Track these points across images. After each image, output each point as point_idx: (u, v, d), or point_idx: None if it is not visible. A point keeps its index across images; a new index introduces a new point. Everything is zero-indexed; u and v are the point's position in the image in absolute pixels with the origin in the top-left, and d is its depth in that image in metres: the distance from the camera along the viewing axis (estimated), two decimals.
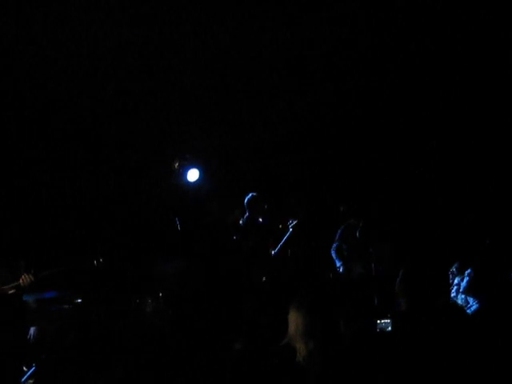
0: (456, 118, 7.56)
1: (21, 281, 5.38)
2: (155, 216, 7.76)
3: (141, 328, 5.94)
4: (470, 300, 4.28)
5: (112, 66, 6.77)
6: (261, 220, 6.85)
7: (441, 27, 6.59)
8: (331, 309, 3.06)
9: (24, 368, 5.39)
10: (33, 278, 5.41)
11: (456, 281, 5.01)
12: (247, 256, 6.60)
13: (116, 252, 7.14)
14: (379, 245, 6.87)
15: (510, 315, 3.59)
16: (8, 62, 6.52)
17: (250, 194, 6.86)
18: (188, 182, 7.47)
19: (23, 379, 5.29)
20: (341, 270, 7.11)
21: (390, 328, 3.76)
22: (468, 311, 4.09)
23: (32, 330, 5.79)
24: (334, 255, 7.26)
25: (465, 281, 4.37)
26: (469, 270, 4.38)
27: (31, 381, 5.36)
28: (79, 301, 6.10)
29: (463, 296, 4.67)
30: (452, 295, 4.95)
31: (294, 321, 3.01)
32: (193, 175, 7.47)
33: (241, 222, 6.88)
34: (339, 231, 7.33)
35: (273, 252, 6.81)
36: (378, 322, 3.91)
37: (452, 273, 5.20)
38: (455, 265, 5.28)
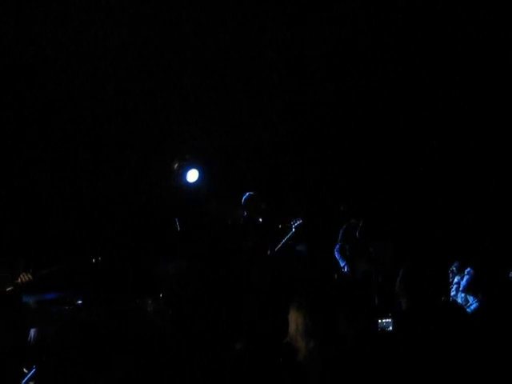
0: (456, 117, 7.56)
1: (19, 280, 5.40)
2: (155, 216, 7.76)
3: (141, 328, 5.94)
4: (470, 299, 4.29)
5: (112, 66, 6.77)
6: (260, 220, 6.82)
7: (441, 27, 6.60)
8: (331, 308, 3.07)
9: (24, 370, 5.37)
10: (31, 277, 5.43)
11: (456, 280, 5.02)
12: (246, 256, 6.58)
13: (116, 252, 7.14)
14: (379, 244, 6.87)
15: (510, 314, 3.59)
16: (8, 62, 6.52)
17: (247, 194, 6.83)
18: (187, 182, 7.47)
19: (23, 381, 5.27)
20: (345, 270, 7.09)
21: (391, 327, 3.76)
22: (468, 310, 4.10)
23: (32, 331, 5.78)
24: (337, 256, 7.24)
25: (464, 279, 4.38)
26: (468, 269, 4.38)
27: (31, 382, 5.35)
28: (79, 302, 6.09)
29: (463, 295, 4.67)
30: (452, 294, 4.95)
31: (295, 320, 3.01)
32: (192, 176, 7.47)
33: (240, 221, 6.85)
34: (341, 231, 7.32)
35: (273, 251, 6.78)
36: (380, 321, 3.90)
37: (452, 272, 5.20)
38: (455, 264, 5.28)
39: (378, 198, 7.61)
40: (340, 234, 7.31)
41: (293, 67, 7.13)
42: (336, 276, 7.17)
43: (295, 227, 6.93)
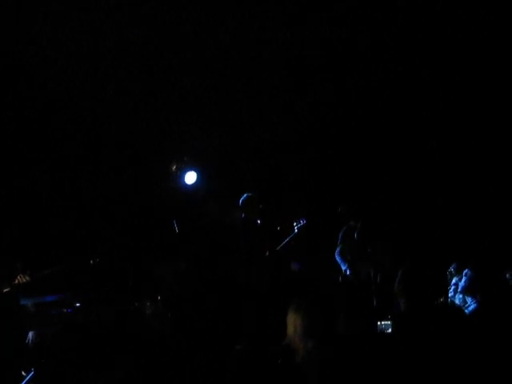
0: (456, 118, 7.56)
1: (16, 281, 5.39)
2: (154, 217, 7.75)
3: (140, 330, 5.93)
4: (469, 300, 4.28)
5: (112, 66, 6.77)
6: (259, 222, 6.78)
7: (441, 27, 6.60)
8: (329, 310, 3.07)
9: (22, 373, 5.35)
10: (28, 279, 5.42)
11: (454, 281, 5.01)
12: (245, 257, 6.55)
13: (114, 253, 7.13)
14: (378, 245, 6.84)
15: (508, 315, 3.59)
16: (8, 62, 6.53)
17: (245, 195, 6.78)
18: (185, 184, 7.46)
19: None
20: (348, 273, 7.04)
21: (390, 329, 3.76)
22: (466, 311, 4.10)
23: (30, 333, 5.77)
24: (338, 259, 7.18)
25: (463, 281, 4.37)
26: (466, 270, 4.38)
27: None
28: (78, 304, 6.08)
29: (461, 296, 4.67)
30: (450, 295, 4.95)
31: (293, 322, 3.01)
32: (190, 178, 7.46)
33: (238, 222, 6.80)
34: (340, 234, 7.26)
35: (273, 252, 6.74)
36: (379, 323, 3.91)
37: (450, 273, 5.20)
38: (453, 265, 5.28)
39: (378, 198, 7.60)
40: (339, 237, 7.26)
41: (293, 67, 7.13)
42: (340, 279, 7.10)
43: (298, 228, 6.89)
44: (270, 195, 7.57)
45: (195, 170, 7.48)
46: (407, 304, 3.30)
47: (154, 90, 7.12)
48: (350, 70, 7.23)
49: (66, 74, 6.74)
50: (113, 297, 6.72)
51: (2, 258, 5.55)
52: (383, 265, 6.68)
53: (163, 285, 6.90)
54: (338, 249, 7.23)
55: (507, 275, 5.04)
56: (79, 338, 5.47)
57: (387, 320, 4.00)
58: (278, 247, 6.82)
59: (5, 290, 5.40)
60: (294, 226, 6.91)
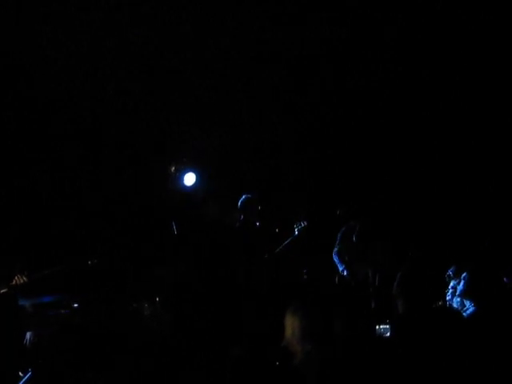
0: (456, 118, 7.55)
1: (14, 282, 5.39)
2: (152, 218, 7.75)
3: (138, 332, 5.93)
4: (467, 303, 4.28)
5: (112, 66, 6.77)
6: (258, 223, 6.76)
7: (441, 27, 6.60)
8: (328, 312, 3.07)
9: (20, 373, 5.35)
10: (26, 279, 5.41)
11: (452, 284, 5.01)
12: (244, 258, 6.54)
13: (112, 254, 7.13)
14: (378, 246, 6.83)
15: (506, 318, 3.60)
16: (8, 62, 6.53)
17: (244, 196, 6.76)
18: (185, 186, 7.45)
19: None
20: (345, 274, 7.03)
21: (388, 333, 3.76)
22: (464, 314, 4.10)
23: (28, 334, 5.77)
24: (336, 259, 7.16)
25: (461, 284, 4.37)
26: (464, 274, 4.38)
27: None
28: (76, 305, 6.07)
29: (459, 299, 4.67)
30: (447, 298, 4.95)
31: (291, 325, 3.01)
32: (189, 179, 7.46)
33: (237, 224, 6.78)
34: (339, 234, 7.24)
35: (272, 253, 6.73)
36: (377, 327, 3.91)
37: (449, 276, 5.19)
38: (452, 268, 5.27)
39: (378, 198, 7.59)
40: (338, 237, 7.24)
41: (293, 67, 7.13)
42: (337, 280, 7.09)
43: (298, 230, 6.87)
44: (270, 196, 7.56)
45: (194, 171, 7.47)
46: (405, 306, 3.30)
47: (154, 89, 7.12)
48: (350, 70, 7.23)
49: (66, 74, 6.74)
50: (111, 298, 6.71)
51: (0, 259, 5.55)
52: (382, 266, 6.67)
53: (162, 286, 6.89)
54: (335, 249, 7.21)
55: (505, 279, 5.04)
56: (77, 338, 5.46)
57: (386, 324, 4.00)
58: (278, 249, 6.81)
59: (2, 291, 5.39)
60: (294, 228, 6.89)
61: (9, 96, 6.81)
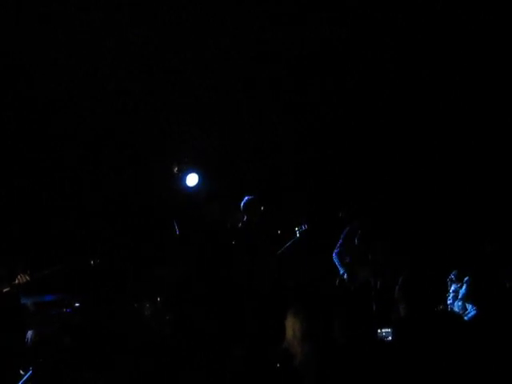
0: (456, 119, 7.55)
1: (17, 281, 5.41)
2: (154, 218, 7.74)
3: (139, 331, 5.94)
4: (469, 307, 4.28)
5: (112, 66, 6.77)
6: (260, 224, 6.76)
7: (441, 27, 6.59)
8: (328, 314, 3.07)
9: (21, 371, 5.37)
10: (29, 278, 5.43)
11: (453, 287, 5.00)
12: (246, 259, 6.54)
13: (114, 254, 7.13)
14: (379, 249, 6.81)
15: (508, 322, 3.60)
16: (8, 62, 6.53)
17: (247, 197, 6.76)
18: (187, 186, 7.45)
19: (20, 383, 5.26)
20: (345, 277, 7.03)
21: (390, 337, 3.76)
22: (466, 318, 4.10)
23: (30, 332, 5.78)
24: (336, 261, 7.16)
25: (464, 287, 4.37)
26: (467, 278, 4.37)
27: None
28: (77, 304, 6.08)
29: (460, 303, 4.66)
30: (449, 302, 4.94)
31: (291, 326, 3.01)
32: (192, 180, 7.45)
33: (239, 225, 6.78)
34: (342, 235, 7.23)
35: (275, 254, 6.73)
36: (379, 331, 3.90)
37: (451, 280, 5.18)
38: (454, 272, 5.26)
39: (378, 199, 7.58)
40: (340, 238, 7.22)
41: (293, 67, 7.13)
42: (337, 282, 7.09)
43: (299, 233, 6.88)
44: (270, 196, 7.55)
45: (197, 172, 7.47)
46: (407, 310, 3.31)
47: (154, 89, 7.12)
48: (350, 70, 7.22)
49: (66, 74, 6.74)
50: (112, 297, 6.73)
51: (2, 258, 5.57)
52: (384, 268, 6.65)
53: (163, 286, 6.89)
54: (337, 250, 7.20)
55: (507, 283, 5.04)
56: (77, 337, 5.48)
57: (387, 328, 4.00)
58: (280, 251, 6.82)
59: (5, 290, 5.42)
60: (295, 231, 6.90)
61: (9, 96, 6.81)
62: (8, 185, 7.06)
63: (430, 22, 6.55)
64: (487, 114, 7.42)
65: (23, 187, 7.23)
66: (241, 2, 6.33)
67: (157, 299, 6.60)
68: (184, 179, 7.41)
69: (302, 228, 6.88)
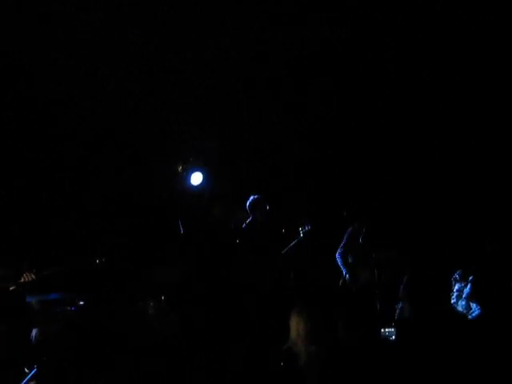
0: (456, 119, 7.55)
1: (22, 279, 5.44)
2: (158, 218, 7.74)
3: (143, 330, 5.94)
4: (473, 306, 4.29)
5: (112, 66, 6.77)
6: (266, 223, 6.74)
7: (441, 27, 6.60)
8: (332, 314, 3.08)
9: (25, 370, 5.39)
10: (34, 277, 5.47)
11: (457, 287, 5.01)
12: (251, 258, 6.52)
13: (119, 253, 7.14)
14: (383, 251, 6.81)
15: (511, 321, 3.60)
16: (8, 62, 6.53)
17: (252, 197, 6.73)
18: (191, 185, 7.43)
19: (24, 381, 5.29)
20: (347, 278, 7.04)
21: (393, 337, 3.75)
22: (470, 317, 4.10)
23: (34, 331, 5.81)
24: (339, 262, 7.17)
25: (468, 287, 4.38)
26: (471, 277, 4.38)
27: (32, 383, 5.36)
28: (82, 303, 6.10)
29: (464, 302, 4.67)
30: (452, 301, 4.94)
31: (296, 326, 3.02)
32: (196, 179, 7.43)
33: (244, 225, 6.75)
34: (345, 236, 7.23)
35: (279, 254, 6.73)
36: (382, 330, 3.90)
37: (455, 279, 5.18)
38: (458, 271, 5.26)
39: (379, 198, 7.58)
40: (344, 238, 7.22)
41: (293, 67, 7.13)
42: (341, 282, 7.10)
43: (303, 233, 6.88)
44: (271, 196, 7.56)
45: (201, 171, 7.44)
46: (411, 309, 3.31)
47: (154, 89, 7.12)
48: (350, 70, 7.23)
49: (66, 74, 6.73)
50: (117, 296, 6.73)
51: (8, 258, 5.60)
52: (387, 268, 6.65)
53: (167, 285, 6.90)
54: (340, 250, 7.21)
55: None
56: (82, 336, 5.49)
57: (391, 327, 3.99)
58: (284, 251, 6.81)
59: (11, 288, 5.45)
60: (299, 231, 6.88)
61: (9, 96, 6.81)
62: (8, 185, 7.06)
63: (429, 21, 6.56)
64: (487, 113, 7.43)
65: (23, 187, 7.22)
66: (241, 2, 6.33)
67: (161, 298, 6.60)
68: (189, 178, 7.38)
69: (305, 228, 6.87)
